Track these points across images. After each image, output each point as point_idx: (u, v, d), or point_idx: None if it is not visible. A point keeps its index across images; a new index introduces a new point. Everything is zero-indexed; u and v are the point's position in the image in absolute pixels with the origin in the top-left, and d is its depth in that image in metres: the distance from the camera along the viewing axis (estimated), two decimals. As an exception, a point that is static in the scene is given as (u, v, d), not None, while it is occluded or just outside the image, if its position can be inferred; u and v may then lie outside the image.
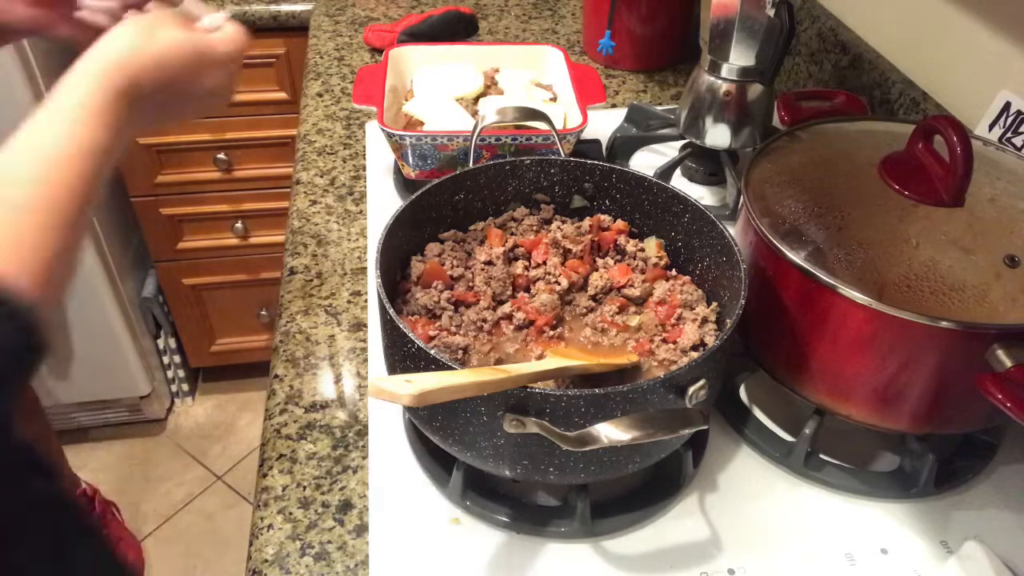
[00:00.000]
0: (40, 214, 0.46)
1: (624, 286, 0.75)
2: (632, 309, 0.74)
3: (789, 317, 0.68)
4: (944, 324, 0.59)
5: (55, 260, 0.46)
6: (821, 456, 0.73)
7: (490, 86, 1.06)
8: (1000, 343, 0.59)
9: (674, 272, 0.78)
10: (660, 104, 1.26)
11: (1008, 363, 0.58)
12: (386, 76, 1.01)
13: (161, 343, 1.97)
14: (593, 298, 0.74)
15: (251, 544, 0.67)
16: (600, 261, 0.78)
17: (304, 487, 0.71)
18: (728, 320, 0.67)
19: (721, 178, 1.06)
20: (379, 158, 1.09)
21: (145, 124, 0.56)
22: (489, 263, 0.75)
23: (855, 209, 0.70)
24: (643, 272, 0.77)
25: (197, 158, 1.71)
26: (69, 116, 0.49)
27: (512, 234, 0.79)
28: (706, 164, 1.07)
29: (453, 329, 0.69)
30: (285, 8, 1.56)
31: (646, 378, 0.67)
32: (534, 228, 0.79)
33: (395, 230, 0.70)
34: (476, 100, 1.04)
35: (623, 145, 1.09)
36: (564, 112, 1.00)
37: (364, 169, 1.10)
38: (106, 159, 0.51)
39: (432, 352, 0.57)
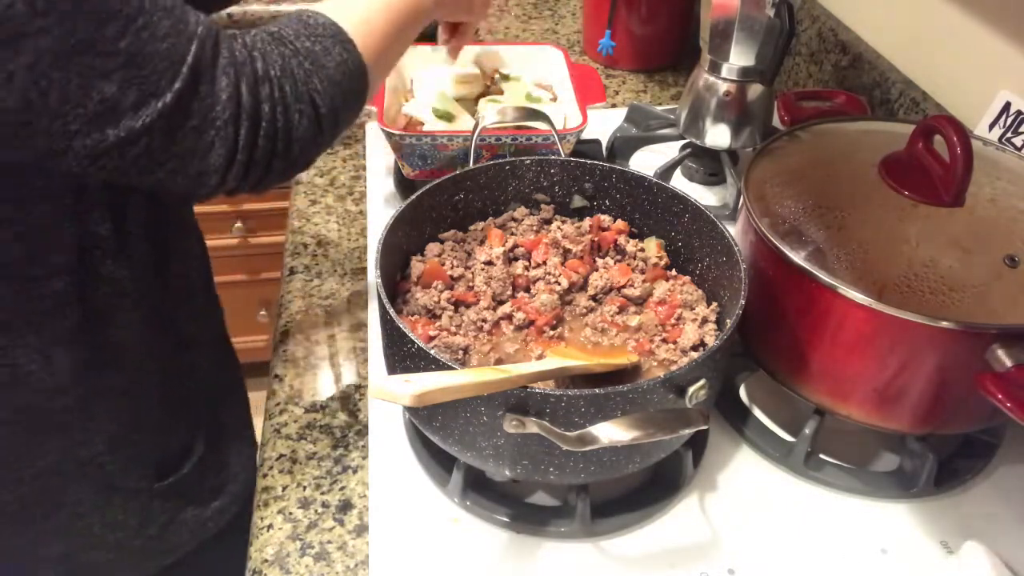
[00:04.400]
0: (382, 22, 0.65)
1: (624, 286, 0.75)
2: (632, 309, 0.74)
3: (789, 317, 0.68)
4: (944, 324, 0.59)
5: (381, 54, 0.66)
6: (821, 456, 0.73)
7: (490, 86, 1.06)
8: (1000, 343, 0.59)
9: (674, 272, 0.78)
10: (660, 104, 1.26)
11: (1008, 363, 0.58)
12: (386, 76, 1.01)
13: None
14: (593, 298, 0.74)
15: (251, 544, 0.67)
16: (600, 261, 0.77)
17: (304, 487, 0.71)
18: (728, 320, 0.67)
19: (721, 178, 1.06)
20: (379, 158, 1.09)
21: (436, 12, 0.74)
22: (489, 263, 0.75)
23: (855, 209, 0.69)
24: (643, 272, 0.77)
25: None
26: None
27: (512, 234, 0.79)
28: (706, 164, 1.07)
29: (453, 329, 0.69)
30: (285, 8, 1.56)
31: (646, 378, 0.67)
32: (534, 228, 0.79)
33: (395, 230, 0.70)
34: (476, 100, 1.04)
35: (623, 145, 1.09)
36: (564, 112, 1.00)
37: (364, 169, 1.10)
38: (422, 15, 0.70)
39: (432, 352, 0.57)
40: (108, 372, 0.69)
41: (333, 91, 0.60)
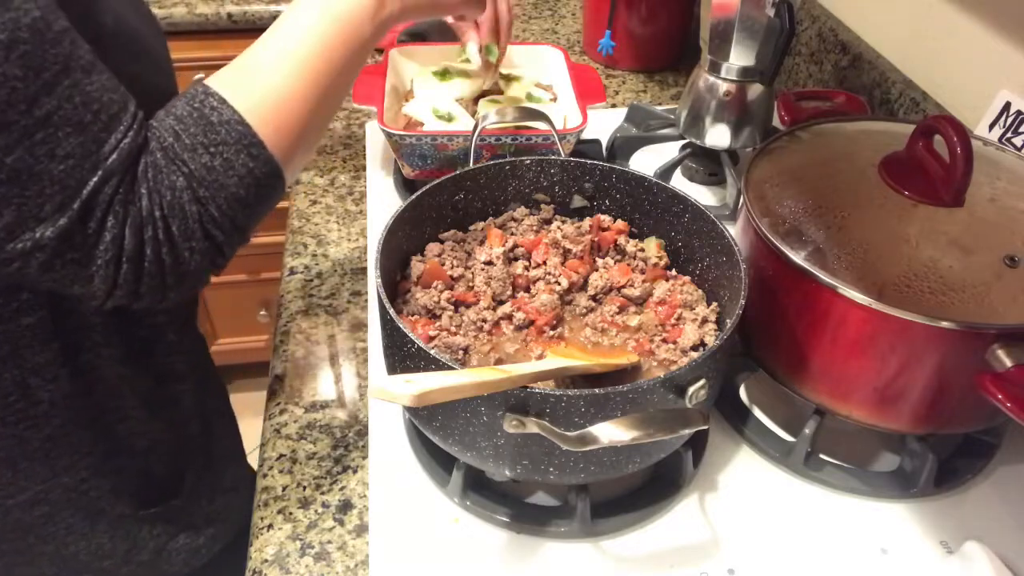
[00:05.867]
0: (305, 88, 0.56)
1: (624, 286, 0.75)
2: (632, 309, 0.74)
3: (789, 317, 0.68)
4: (944, 324, 0.59)
5: (302, 135, 0.57)
6: (821, 456, 0.73)
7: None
8: (1000, 343, 0.59)
9: (674, 272, 0.78)
10: (660, 104, 1.26)
11: (1008, 363, 0.58)
12: (386, 76, 1.01)
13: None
14: (593, 298, 0.74)
15: (251, 544, 0.67)
16: (600, 261, 0.78)
17: (304, 487, 0.71)
18: (728, 320, 0.67)
19: (721, 178, 1.06)
20: (379, 158, 1.09)
21: (400, 19, 0.65)
22: (489, 263, 0.75)
23: (855, 209, 0.70)
24: (643, 272, 0.77)
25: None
26: (337, 15, 0.60)
27: (512, 234, 0.79)
28: (706, 164, 1.07)
29: (453, 329, 0.69)
30: (285, 8, 1.56)
31: (646, 378, 0.67)
32: (534, 228, 0.79)
33: (395, 230, 0.70)
34: (476, 100, 1.04)
35: (623, 145, 1.09)
36: (564, 112, 1.00)
37: (364, 169, 1.10)
38: (362, 56, 0.61)
39: (432, 352, 0.57)
40: (88, 403, 0.67)
41: (235, 211, 0.54)
